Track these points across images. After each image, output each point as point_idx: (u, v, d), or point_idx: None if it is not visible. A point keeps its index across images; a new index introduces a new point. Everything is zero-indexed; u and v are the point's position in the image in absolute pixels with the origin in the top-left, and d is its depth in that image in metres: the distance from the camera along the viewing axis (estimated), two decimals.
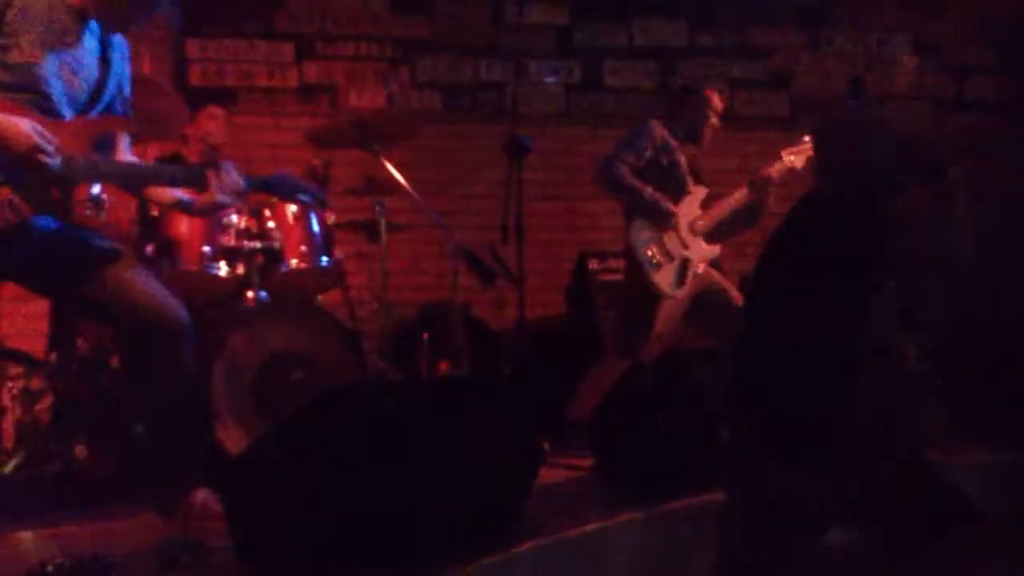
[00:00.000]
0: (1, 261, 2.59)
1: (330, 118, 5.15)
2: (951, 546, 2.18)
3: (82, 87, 2.70)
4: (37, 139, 2.49)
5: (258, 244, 3.66)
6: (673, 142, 4.04)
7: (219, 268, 3.56)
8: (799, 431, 2.25)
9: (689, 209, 4.03)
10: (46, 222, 2.58)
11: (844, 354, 2.23)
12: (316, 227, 3.79)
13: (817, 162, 2.50)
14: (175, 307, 2.70)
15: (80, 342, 3.58)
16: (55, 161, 2.53)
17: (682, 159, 4.08)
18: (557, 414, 3.98)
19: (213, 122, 4.29)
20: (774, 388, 2.32)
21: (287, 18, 5.32)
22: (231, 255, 3.61)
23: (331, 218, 3.89)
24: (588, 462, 3.51)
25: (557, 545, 2.66)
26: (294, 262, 3.71)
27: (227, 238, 3.60)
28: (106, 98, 2.77)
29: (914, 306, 2.34)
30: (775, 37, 5.94)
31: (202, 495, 2.70)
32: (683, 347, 4.12)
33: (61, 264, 2.65)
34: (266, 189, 2.93)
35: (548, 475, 3.24)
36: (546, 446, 3.63)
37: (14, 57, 2.55)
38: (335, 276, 3.94)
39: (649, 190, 3.92)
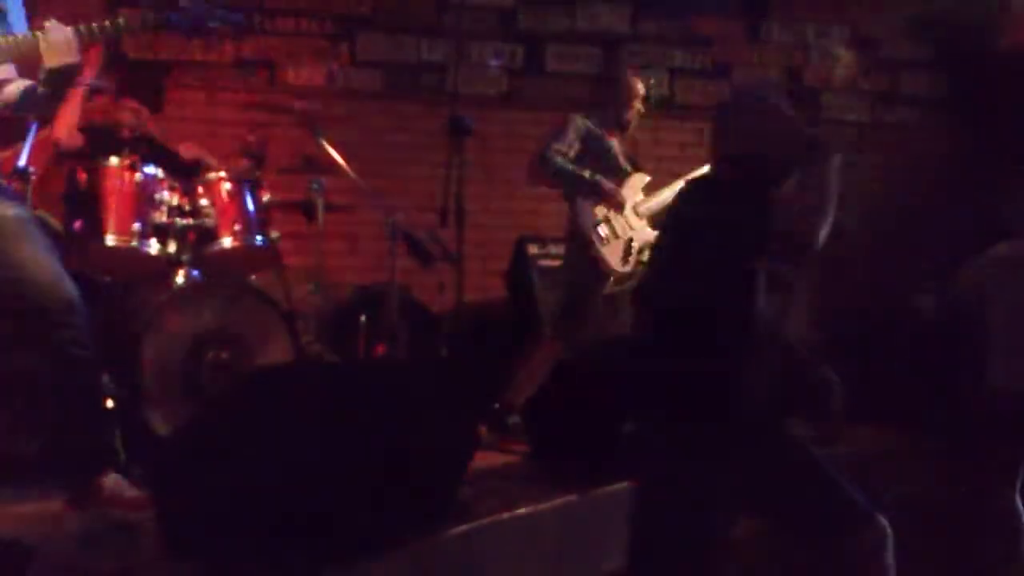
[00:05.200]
0: None
1: (267, 94, 5.05)
2: (847, 542, 2.19)
3: None
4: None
5: (190, 221, 3.58)
6: (599, 131, 4.07)
7: (150, 245, 3.47)
8: (688, 417, 2.26)
9: (631, 192, 4.06)
10: None
11: (732, 339, 2.24)
12: (251, 205, 3.72)
13: (717, 139, 2.48)
14: (64, 286, 2.55)
15: None
16: None
17: (614, 145, 4.11)
18: (495, 398, 3.97)
19: (125, 115, 4.08)
20: (665, 374, 2.32)
21: None
22: (162, 232, 3.52)
23: (266, 196, 3.82)
24: (524, 447, 3.52)
25: (490, 528, 2.66)
26: (227, 241, 3.63)
27: (159, 215, 3.51)
28: None
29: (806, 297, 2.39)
30: (716, 27, 5.98)
31: (111, 480, 2.61)
32: (616, 335, 4.15)
33: None
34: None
35: (484, 459, 3.24)
36: (483, 430, 3.63)
37: None
38: (270, 256, 3.87)
39: (589, 171, 3.94)
